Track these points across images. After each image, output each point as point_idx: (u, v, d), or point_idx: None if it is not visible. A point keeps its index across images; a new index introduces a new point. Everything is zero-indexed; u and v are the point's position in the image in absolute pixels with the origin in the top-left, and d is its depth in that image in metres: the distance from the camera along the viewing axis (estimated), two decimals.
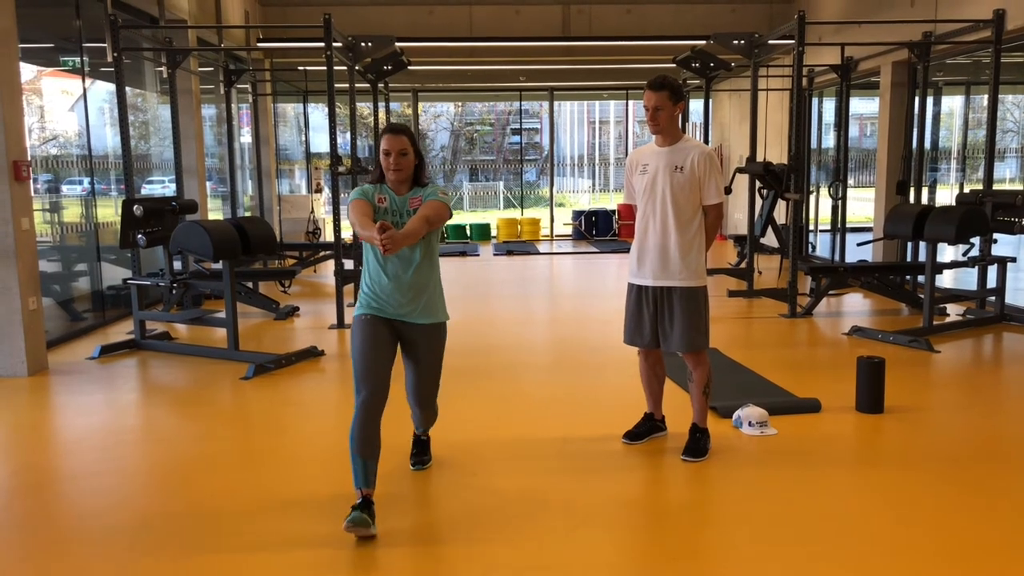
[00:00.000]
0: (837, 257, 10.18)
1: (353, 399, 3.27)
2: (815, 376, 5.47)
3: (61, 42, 7.75)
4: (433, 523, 3.35)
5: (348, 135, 11.58)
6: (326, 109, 7.47)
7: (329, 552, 3.02)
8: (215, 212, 11.12)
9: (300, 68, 12.06)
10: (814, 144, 12.39)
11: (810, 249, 11.58)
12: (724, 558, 3.00)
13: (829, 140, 12.35)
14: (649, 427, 4.19)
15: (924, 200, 9.03)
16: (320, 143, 16.41)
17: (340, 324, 7.22)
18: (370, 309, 3.39)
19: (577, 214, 15.80)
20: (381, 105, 11.22)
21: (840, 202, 10.01)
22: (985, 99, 7.65)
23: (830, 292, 8.03)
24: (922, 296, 6.92)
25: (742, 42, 8.54)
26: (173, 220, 6.69)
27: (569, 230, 15.78)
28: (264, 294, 8.20)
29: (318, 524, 3.25)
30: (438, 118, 28.88)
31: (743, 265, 9.28)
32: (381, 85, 10.69)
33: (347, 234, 8.64)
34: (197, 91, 9.33)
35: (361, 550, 3.04)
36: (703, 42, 9.50)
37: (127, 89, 7.04)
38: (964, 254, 7.11)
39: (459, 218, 18.90)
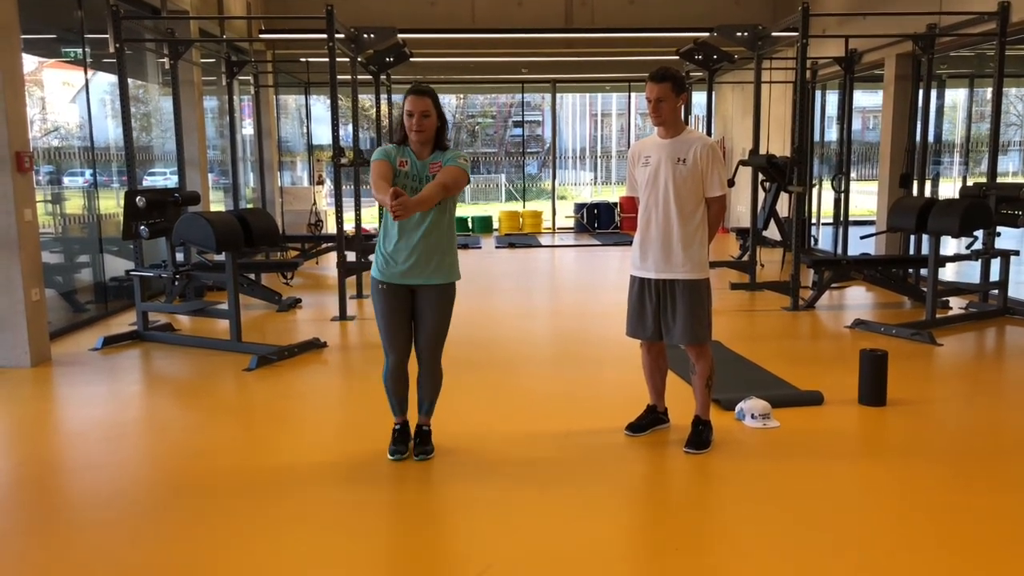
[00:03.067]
0: (840, 250, 10.16)
1: (382, 354, 3.73)
2: (818, 369, 5.47)
3: (63, 33, 7.73)
4: (435, 514, 3.36)
5: (350, 127, 11.56)
6: (328, 101, 7.46)
7: (332, 542, 3.03)
8: (217, 204, 11.11)
9: (302, 60, 12.03)
10: (817, 137, 12.36)
11: (812, 242, 11.58)
12: (727, 550, 3.00)
13: (832, 133, 12.32)
14: (652, 419, 4.20)
15: (927, 193, 9.00)
16: (322, 135, 16.40)
17: (342, 316, 7.22)
18: (384, 276, 3.58)
19: (579, 207, 15.78)
20: (383, 97, 11.20)
21: (843, 195, 9.99)
22: (989, 92, 7.63)
23: (833, 285, 8.02)
24: (925, 289, 6.91)
25: (745, 34, 8.50)
26: (175, 212, 6.69)
27: (571, 223, 15.76)
28: (266, 286, 8.20)
29: (321, 516, 3.25)
30: None
31: (746, 258, 9.27)
32: (383, 77, 10.66)
33: (349, 226, 8.63)
34: (199, 82, 9.31)
35: (363, 542, 3.05)
36: (706, 34, 9.46)
37: (129, 80, 7.03)
38: (967, 247, 7.10)
39: (461, 211, 18.88)
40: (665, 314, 3.89)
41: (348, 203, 8.75)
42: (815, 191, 11.89)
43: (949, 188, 10.89)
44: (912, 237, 8.73)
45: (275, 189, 12.77)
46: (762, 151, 9.10)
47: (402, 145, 3.54)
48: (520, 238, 14.38)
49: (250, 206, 11.93)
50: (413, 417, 3.93)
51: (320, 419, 4.59)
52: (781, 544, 3.00)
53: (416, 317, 3.69)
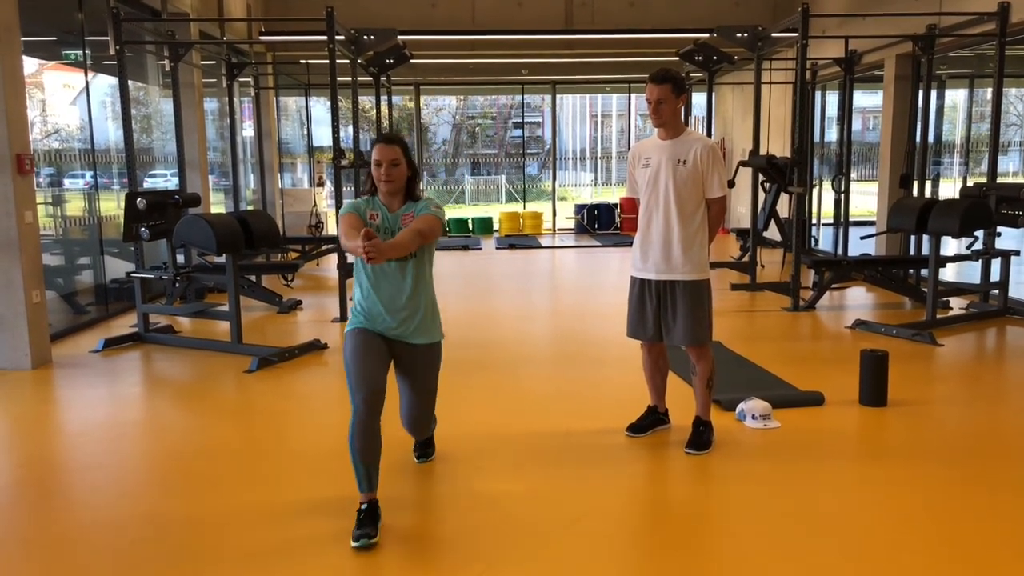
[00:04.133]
0: (840, 251, 10.16)
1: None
2: (818, 369, 5.47)
3: (63, 35, 7.74)
4: (435, 516, 3.35)
5: (350, 128, 11.57)
6: (328, 103, 7.46)
7: (332, 544, 3.02)
8: (218, 206, 11.12)
9: (302, 61, 12.04)
10: (817, 138, 12.36)
11: (813, 243, 11.58)
12: (727, 551, 3.00)
13: (832, 134, 12.32)
14: (652, 420, 4.20)
15: (928, 194, 9.01)
16: (322, 137, 16.40)
17: (343, 317, 7.22)
18: (361, 324, 3.29)
19: (579, 208, 15.78)
20: (383, 99, 11.20)
21: (843, 196, 9.99)
22: (989, 92, 7.63)
23: (833, 286, 8.02)
24: (925, 290, 6.91)
25: (745, 35, 8.51)
26: (176, 213, 6.69)
27: (571, 224, 15.77)
28: (267, 287, 8.21)
29: (321, 518, 3.25)
30: (440, 112, 28.81)
31: (746, 259, 9.27)
32: (383, 78, 10.67)
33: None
34: (199, 84, 9.32)
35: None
36: (706, 35, 9.47)
37: (129, 82, 7.03)
38: (968, 247, 7.10)
39: (461, 212, 18.88)
40: (665, 315, 3.89)
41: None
42: (815, 192, 11.89)
43: (949, 188, 10.89)
44: (912, 237, 8.73)
45: (275, 191, 12.78)
46: (762, 152, 9.10)
47: (371, 197, 3.30)
48: (520, 239, 14.38)
49: (250, 208, 11.94)
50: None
51: (321, 420, 4.59)
52: (782, 545, 3.00)
53: (403, 380, 3.42)
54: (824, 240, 11.99)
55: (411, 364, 3.37)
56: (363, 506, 3.10)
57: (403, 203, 3.28)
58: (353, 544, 2.97)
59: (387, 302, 3.25)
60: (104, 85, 8.50)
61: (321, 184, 13.69)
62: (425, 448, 3.84)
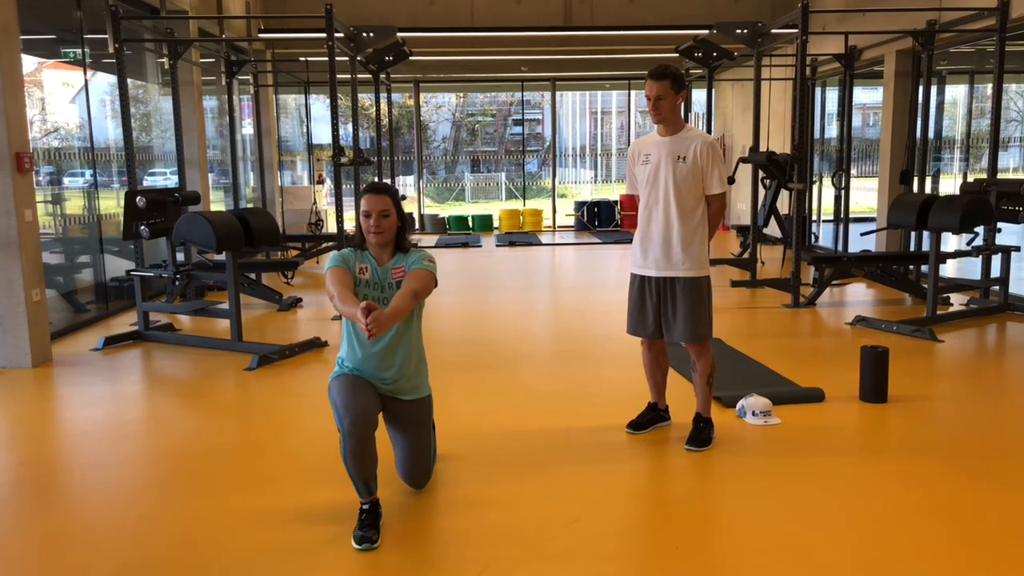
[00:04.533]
0: (840, 247, 10.16)
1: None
2: (819, 366, 5.47)
3: (62, 33, 7.74)
4: (434, 514, 3.35)
5: (350, 126, 11.56)
6: (328, 100, 7.45)
7: (332, 545, 3.02)
8: (217, 203, 11.12)
9: (302, 59, 12.02)
10: (817, 134, 12.35)
11: (813, 239, 11.57)
12: (728, 547, 3.00)
13: (832, 130, 12.31)
14: (653, 417, 4.20)
15: (928, 189, 9.00)
16: (322, 134, 16.41)
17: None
18: (348, 372, 3.23)
19: (579, 205, 15.77)
20: (383, 96, 11.19)
21: (843, 192, 9.98)
22: (989, 88, 7.63)
23: (833, 282, 8.02)
24: (926, 286, 6.90)
25: (745, 31, 8.50)
26: (176, 211, 6.69)
27: (571, 221, 15.76)
28: (267, 285, 8.21)
29: (321, 517, 3.25)
30: (440, 109, 28.80)
31: (746, 255, 9.27)
32: (383, 76, 10.67)
33: (349, 225, 8.62)
34: (199, 82, 9.31)
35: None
36: (706, 31, 9.46)
37: (128, 81, 7.03)
38: (968, 244, 7.10)
39: (461, 209, 18.88)
40: (666, 312, 3.89)
41: (348, 202, 8.77)
42: (815, 188, 11.89)
43: (950, 184, 10.89)
44: (913, 234, 8.73)
45: (275, 188, 12.77)
46: (762, 148, 9.09)
47: (360, 249, 3.22)
48: (520, 236, 14.38)
49: (250, 205, 11.93)
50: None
51: (321, 418, 4.58)
52: (783, 541, 3.00)
53: (395, 433, 3.34)
54: (824, 236, 11.99)
55: (403, 418, 3.31)
56: (364, 506, 3.08)
57: (392, 255, 3.20)
58: (355, 546, 2.95)
59: (377, 363, 3.20)
60: (103, 83, 8.50)
61: (321, 182, 13.69)
62: None
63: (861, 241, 9.56)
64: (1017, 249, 6.94)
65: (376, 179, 10.99)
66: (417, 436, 3.34)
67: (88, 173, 7.85)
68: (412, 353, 3.26)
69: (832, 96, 12.12)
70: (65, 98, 8.16)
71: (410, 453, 3.34)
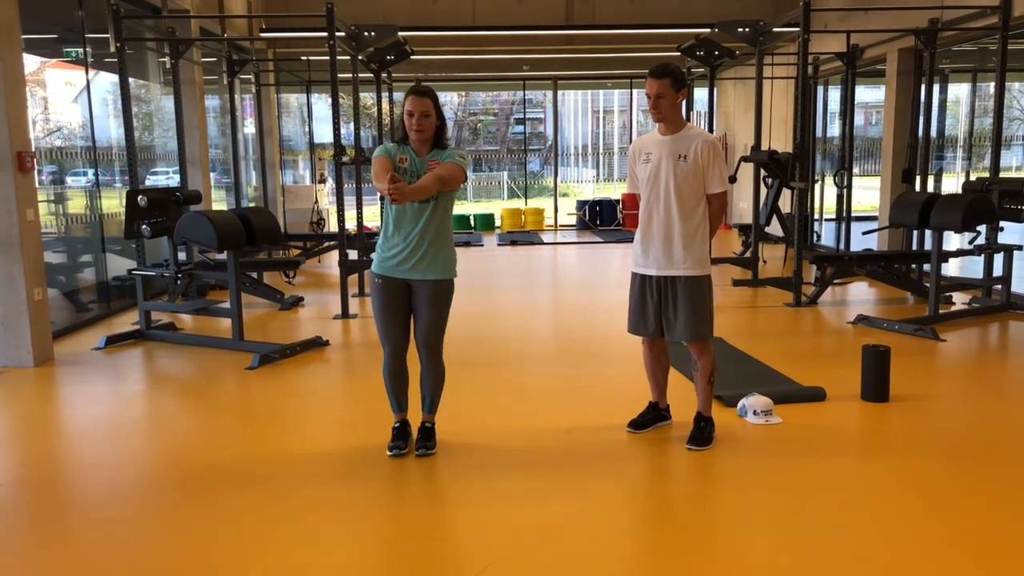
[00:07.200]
0: (842, 246, 10.15)
1: (380, 348, 3.82)
2: (820, 365, 5.46)
3: (64, 33, 7.74)
4: (435, 511, 3.36)
5: (351, 125, 11.56)
6: (329, 99, 7.46)
7: (334, 538, 3.03)
8: (219, 203, 11.12)
9: (303, 58, 12.03)
10: (819, 132, 12.33)
11: (815, 238, 11.56)
12: (729, 547, 3.00)
13: (834, 128, 12.30)
14: (653, 416, 4.19)
15: (930, 188, 8.99)
16: (324, 133, 16.41)
17: (344, 314, 7.22)
18: (381, 269, 3.69)
19: (581, 204, 15.77)
20: (384, 95, 11.19)
21: (845, 191, 9.97)
22: (992, 86, 7.61)
23: (835, 281, 8.01)
24: (928, 285, 6.89)
25: (747, 30, 8.49)
26: (177, 210, 6.69)
27: (573, 220, 15.76)
28: (269, 284, 8.21)
29: (322, 517, 3.26)
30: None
31: (748, 254, 9.26)
32: (384, 75, 10.66)
33: (351, 224, 8.63)
34: (200, 81, 9.31)
35: (363, 539, 3.06)
36: (707, 30, 9.44)
37: (130, 80, 7.03)
38: (970, 243, 7.09)
39: (463, 208, 18.88)
40: (667, 311, 3.89)
41: (350, 201, 8.76)
42: (817, 187, 11.87)
43: (952, 183, 10.88)
44: (915, 233, 8.71)
45: (277, 187, 12.78)
46: (764, 147, 9.08)
47: (403, 144, 3.67)
48: (522, 235, 14.37)
49: (252, 205, 11.94)
50: (415, 415, 3.95)
51: (322, 417, 4.59)
52: (784, 540, 3.00)
53: (414, 313, 3.78)
54: (826, 235, 11.97)
55: (423, 299, 3.71)
56: (396, 424, 3.85)
57: (431, 150, 3.65)
58: (388, 453, 3.72)
59: (405, 239, 3.62)
60: (105, 82, 8.50)
61: (323, 181, 13.70)
62: (426, 441, 3.86)
63: (863, 240, 9.54)
64: (1019, 248, 6.93)
65: None
66: (434, 311, 3.73)
67: (90, 172, 7.86)
68: (440, 238, 3.68)
69: (834, 95, 12.10)
70: (67, 97, 8.17)
71: (427, 325, 3.75)
